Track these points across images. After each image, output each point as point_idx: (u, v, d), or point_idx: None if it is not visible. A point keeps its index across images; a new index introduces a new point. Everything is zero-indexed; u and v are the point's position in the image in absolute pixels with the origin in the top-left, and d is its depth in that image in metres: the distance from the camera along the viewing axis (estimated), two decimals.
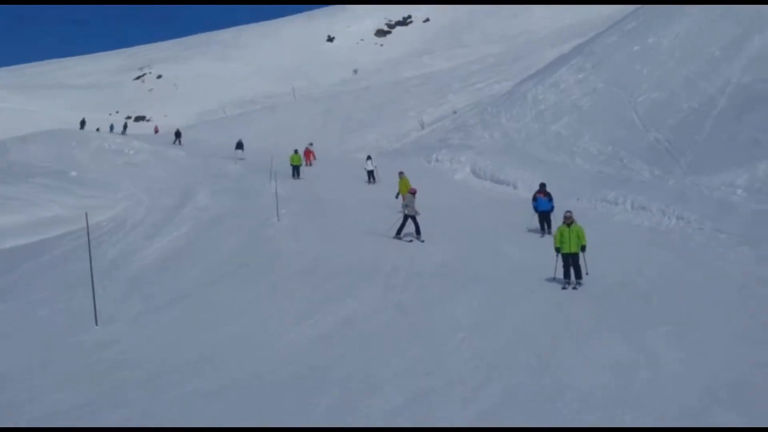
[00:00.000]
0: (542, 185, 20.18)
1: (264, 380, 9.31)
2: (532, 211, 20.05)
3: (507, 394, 8.61)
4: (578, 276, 13.83)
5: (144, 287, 15.04)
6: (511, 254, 17.24)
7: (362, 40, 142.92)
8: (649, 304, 12.76)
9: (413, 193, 19.38)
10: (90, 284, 12.44)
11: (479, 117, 39.39)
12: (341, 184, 30.78)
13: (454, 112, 51.21)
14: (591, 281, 13.91)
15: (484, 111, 40.19)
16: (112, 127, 65.05)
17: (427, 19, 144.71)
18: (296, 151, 34.45)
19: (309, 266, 15.93)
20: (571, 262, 13.84)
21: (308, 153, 38.69)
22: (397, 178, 24.14)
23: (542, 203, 19.64)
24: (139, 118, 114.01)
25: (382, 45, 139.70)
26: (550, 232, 18.82)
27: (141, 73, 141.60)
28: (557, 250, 14.06)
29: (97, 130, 61.78)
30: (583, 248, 13.90)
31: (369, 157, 33.10)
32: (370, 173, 31.67)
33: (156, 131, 69.96)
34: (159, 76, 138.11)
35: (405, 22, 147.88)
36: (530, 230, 19.86)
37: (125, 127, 67.36)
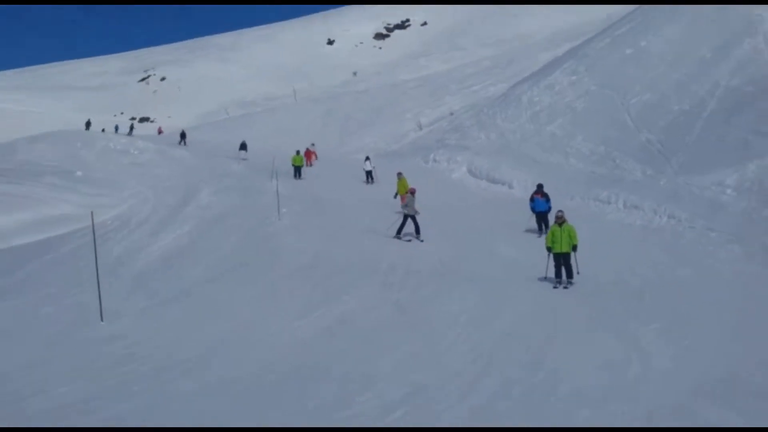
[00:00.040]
0: (539, 186, 20.14)
1: (264, 374, 9.31)
2: (529, 212, 20.01)
3: (502, 389, 8.61)
4: (569, 275, 13.80)
5: (149, 284, 15.02)
6: (505, 253, 17.25)
7: (361, 43, 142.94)
8: (641, 301, 12.77)
9: (413, 192, 19.34)
10: (96, 281, 12.42)
11: (475, 118, 39.38)
12: (341, 184, 30.77)
13: (451, 114, 51.19)
14: (583, 279, 13.92)
15: (480, 112, 40.16)
16: (117, 128, 64.95)
17: (425, 23, 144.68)
18: (298, 152, 34.43)
19: (309, 264, 15.93)
20: (562, 262, 13.80)
21: (309, 153, 38.66)
22: (395, 179, 24.13)
23: (539, 204, 19.59)
24: (143, 119, 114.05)
25: (380, 48, 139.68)
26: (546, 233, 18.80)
27: (145, 75, 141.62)
28: (549, 249, 14.03)
29: (103, 130, 61.73)
30: (574, 248, 13.86)
31: (367, 158, 33.08)
32: (369, 173, 31.65)
33: (160, 132, 69.79)
34: (163, 78, 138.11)
35: (403, 25, 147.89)
36: (527, 230, 19.81)
37: (132, 128, 67.25)
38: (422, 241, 18.55)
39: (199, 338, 10.98)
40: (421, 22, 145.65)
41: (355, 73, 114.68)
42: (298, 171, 32.82)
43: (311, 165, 37.46)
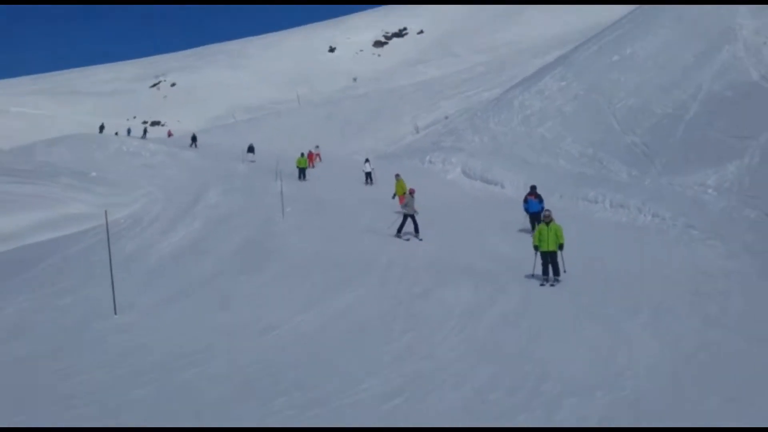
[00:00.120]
0: (533, 187, 19.97)
1: (267, 365, 9.31)
2: (523, 212, 19.86)
3: (494, 378, 8.61)
4: (556, 273, 13.69)
5: (159, 279, 15.02)
6: (498, 250, 17.24)
7: (361, 50, 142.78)
8: (626, 294, 12.77)
9: (412, 193, 19.28)
10: (110, 276, 12.45)
11: (469, 122, 39.41)
12: (341, 185, 30.78)
13: (446, 118, 51.23)
14: (571, 273, 13.90)
15: (474, 116, 40.19)
16: (129, 131, 64.96)
17: (421, 31, 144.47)
18: (302, 154, 34.42)
19: (311, 260, 15.91)
20: (549, 260, 13.69)
21: (312, 156, 38.66)
22: (393, 180, 24.10)
23: (533, 205, 19.42)
24: (154, 123, 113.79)
25: (379, 55, 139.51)
26: None
27: (156, 81, 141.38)
28: (536, 248, 13.93)
29: (116, 134, 61.70)
30: (561, 246, 13.77)
31: (367, 160, 33.09)
32: (368, 175, 31.64)
33: (169, 135, 69.73)
34: (173, 84, 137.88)
35: (401, 34, 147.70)
36: (521, 230, 19.65)
37: (145, 131, 67.16)
38: (421, 239, 18.49)
39: (206, 330, 11.00)
40: (418, 30, 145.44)
41: (355, 79, 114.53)
42: (302, 173, 32.81)
43: (313, 166, 37.47)
